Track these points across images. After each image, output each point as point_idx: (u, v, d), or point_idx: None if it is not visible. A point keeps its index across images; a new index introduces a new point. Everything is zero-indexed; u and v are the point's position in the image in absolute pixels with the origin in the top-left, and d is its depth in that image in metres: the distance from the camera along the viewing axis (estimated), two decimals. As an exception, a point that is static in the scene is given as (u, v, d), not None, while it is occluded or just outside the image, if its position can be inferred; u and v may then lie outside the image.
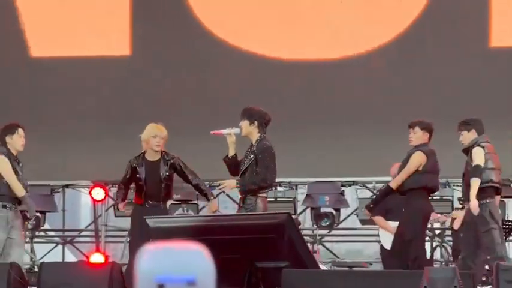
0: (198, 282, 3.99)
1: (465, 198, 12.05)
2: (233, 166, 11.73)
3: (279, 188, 16.05)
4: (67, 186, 16.04)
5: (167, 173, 11.98)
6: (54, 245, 16.78)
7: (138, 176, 12.01)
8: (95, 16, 16.13)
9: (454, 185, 15.25)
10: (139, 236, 12.00)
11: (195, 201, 15.44)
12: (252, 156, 11.64)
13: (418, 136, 11.87)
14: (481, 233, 11.72)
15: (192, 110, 15.69)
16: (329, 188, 15.82)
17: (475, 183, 11.68)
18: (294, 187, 16.15)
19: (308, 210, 16.08)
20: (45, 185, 15.56)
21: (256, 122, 11.43)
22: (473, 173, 11.78)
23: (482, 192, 11.59)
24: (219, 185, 13.27)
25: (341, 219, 16.01)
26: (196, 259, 4.06)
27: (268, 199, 12.58)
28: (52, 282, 11.00)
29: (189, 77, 15.99)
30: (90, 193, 14.80)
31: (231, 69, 15.91)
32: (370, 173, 14.77)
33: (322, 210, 16.00)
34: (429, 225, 13.82)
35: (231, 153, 11.78)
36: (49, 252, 16.49)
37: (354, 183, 15.54)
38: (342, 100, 15.60)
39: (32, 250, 15.55)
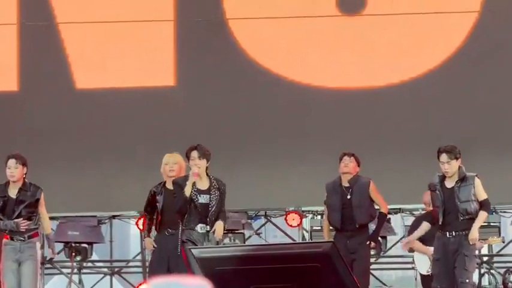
0: None
1: (455, 228, 11.73)
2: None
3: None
4: (114, 217, 15.78)
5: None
6: (102, 276, 16.51)
7: (156, 203, 12.10)
8: (139, 47, 15.79)
9: (500, 211, 14.96)
10: (158, 264, 12.17)
11: (242, 231, 15.14)
12: (216, 189, 11.99)
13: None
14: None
15: (235, 139, 15.29)
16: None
17: (484, 217, 11.75)
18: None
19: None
20: (92, 216, 15.35)
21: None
22: (487, 206, 11.67)
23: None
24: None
25: (388, 246, 15.76)
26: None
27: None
28: None
29: (234, 105, 15.64)
30: (136, 223, 14.64)
31: (275, 97, 15.47)
32: (416, 200, 14.06)
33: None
34: (477, 252, 13.11)
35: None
36: (97, 283, 16.28)
37: (401, 210, 15.16)
38: (389, 127, 15.18)
39: (81, 281, 15.33)
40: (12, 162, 11.77)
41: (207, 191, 11.93)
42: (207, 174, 11.89)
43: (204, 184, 11.89)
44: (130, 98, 15.86)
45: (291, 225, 15.41)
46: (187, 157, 11.89)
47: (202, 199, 11.91)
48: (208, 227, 11.83)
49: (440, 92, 15.36)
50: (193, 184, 11.79)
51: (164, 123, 15.23)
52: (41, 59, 16.34)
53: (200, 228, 11.73)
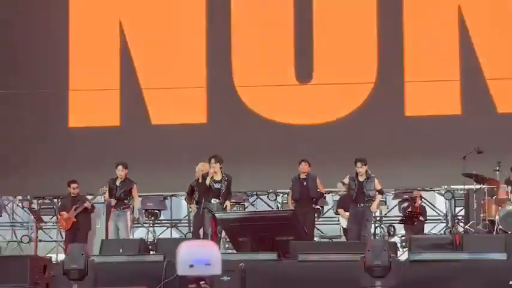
0: (211, 264, 4.65)
1: (362, 202, 15.11)
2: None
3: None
4: (172, 195, 18.82)
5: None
6: (165, 228, 19.30)
7: (194, 191, 15.38)
8: (176, 89, 18.72)
9: (386, 192, 17.25)
10: (196, 219, 15.39)
11: (243, 203, 18.30)
12: (225, 182, 14.91)
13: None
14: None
15: (242, 153, 17.94)
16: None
17: (380, 198, 15.39)
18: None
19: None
20: (160, 194, 18.56)
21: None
22: (381, 192, 15.38)
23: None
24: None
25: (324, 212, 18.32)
26: (211, 250, 4.68)
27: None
28: (164, 251, 12.89)
29: (241, 142, 18.39)
30: (185, 199, 16.69)
31: (263, 131, 18.49)
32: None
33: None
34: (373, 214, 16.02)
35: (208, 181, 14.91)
36: (163, 232, 19.11)
37: (331, 192, 17.72)
38: (328, 146, 17.86)
39: (154, 231, 18.46)
40: (120, 166, 15.62)
41: (220, 181, 15.02)
42: (221, 171, 15.01)
43: (218, 177, 15.00)
44: (167, 133, 18.56)
45: (271, 200, 18.41)
46: (209, 162, 15.06)
47: (217, 185, 14.99)
48: (218, 201, 14.87)
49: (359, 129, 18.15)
50: (212, 177, 14.93)
51: (199, 144, 17.55)
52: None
53: (213, 201, 14.84)
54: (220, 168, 14.89)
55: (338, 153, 17.28)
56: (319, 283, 11.62)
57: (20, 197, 19.37)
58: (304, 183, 15.79)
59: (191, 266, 4.72)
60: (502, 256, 11.84)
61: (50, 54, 19.10)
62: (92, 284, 11.34)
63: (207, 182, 14.72)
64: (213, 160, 14.86)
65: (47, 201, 18.95)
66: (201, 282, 6.76)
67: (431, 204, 18.82)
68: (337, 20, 18.63)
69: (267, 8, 18.80)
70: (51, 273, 10.91)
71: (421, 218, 16.87)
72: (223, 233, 14.76)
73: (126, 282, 11.64)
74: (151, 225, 18.27)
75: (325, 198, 17.61)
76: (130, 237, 15.18)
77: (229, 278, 10.99)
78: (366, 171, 15.10)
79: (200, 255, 4.71)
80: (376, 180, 15.19)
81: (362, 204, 15.10)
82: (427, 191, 18.34)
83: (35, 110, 19.08)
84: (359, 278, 10.84)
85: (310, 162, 15.87)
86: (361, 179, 15.12)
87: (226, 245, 15.72)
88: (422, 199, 17.82)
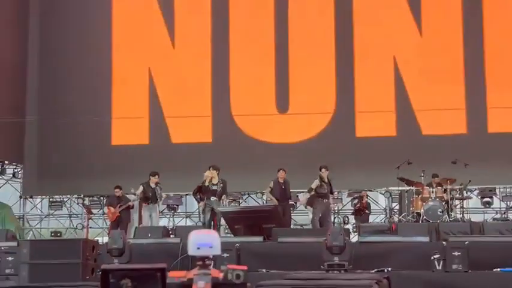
0: (213, 247, 4.47)
1: (327, 198, 14.85)
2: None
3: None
4: (186, 194, 18.66)
5: (218, 188, 14.53)
6: (181, 218, 19.46)
7: (201, 190, 14.63)
8: (189, 117, 18.56)
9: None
10: (203, 212, 14.79)
11: (239, 200, 18.38)
12: (221, 184, 14.56)
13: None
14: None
15: (238, 165, 17.82)
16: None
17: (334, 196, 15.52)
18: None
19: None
20: (178, 193, 18.71)
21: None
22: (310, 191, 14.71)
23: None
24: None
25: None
26: (213, 237, 4.54)
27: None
28: (180, 235, 12.79)
29: (236, 156, 18.32)
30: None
31: (254, 149, 18.43)
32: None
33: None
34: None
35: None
36: (179, 222, 18.90)
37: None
38: (299, 159, 17.43)
39: (174, 221, 18.18)
40: (156, 176, 15.34)
41: (216, 184, 14.59)
42: (218, 176, 14.58)
43: (215, 180, 14.59)
44: (198, 147, 18.50)
45: (258, 198, 18.58)
46: (209, 169, 14.69)
47: (214, 187, 14.56)
48: (215, 198, 14.48)
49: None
50: (210, 180, 14.52)
51: (206, 157, 16.95)
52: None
53: (212, 198, 14.43)
54: (218, 174, 14.52)
55: (308, 164, 16.58)
56: (294, 258, 11.45)
57: (75, 195, 19.57)
58: (283, 187, 15.57)
59: (198, 248, 4.55)
60: (426, 239, 11.87)
61: (99, 94, 19.41)
62: (128, 260, 11.22)
63: (206, 184, 14.42)
64: (211, 168, 14.64)
65: (95, 198, 19.12)
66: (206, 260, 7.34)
67: (375, 201, 18.91)
68: (306, 65, 18.70)
69: (256, 56, 18.90)
70: (98, 251, 10.81)
71: (366, 211, 16.87)
72: (223, 221, 14.70)
73: (152, 258, 11.34)
74: (171, 216, 18.32)
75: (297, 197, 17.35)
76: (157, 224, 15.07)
77: (228, 255, 10.90)
78: (328, 175, 14.99)
79: (205, 240, 4.54)
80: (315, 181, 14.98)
81: (326, 200, 14.99)
82: (371, 191, 18.34)
83: (88, 131, 19.15)
84: (322, 254, 10.74)
85: (286, 170, 15.67)
86: (326, 180, 14.95)
87: (226, 231, 15.41)
88: (368, 197, 17.75)
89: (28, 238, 18.22)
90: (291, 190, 15.85)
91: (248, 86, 18.73)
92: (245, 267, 4.63)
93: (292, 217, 17.30)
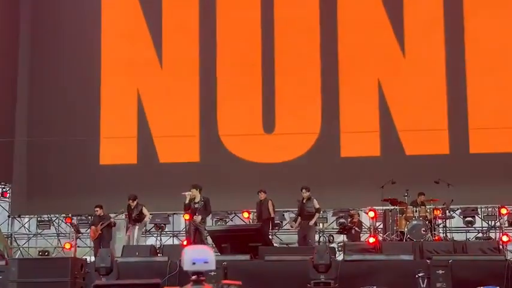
0: (209, 262, 4.60)
1: (305, 219, 14.79)
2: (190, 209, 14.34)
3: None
4: (174, 213, 18.51)
5: (199, 206, 14.54)
6: (169, 236, 19.08)
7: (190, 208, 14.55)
8: (177, 137, 18.36)
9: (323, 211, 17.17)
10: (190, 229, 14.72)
11: (226, 219, 18.27)
12: (202, 202, 14.53)
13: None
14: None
15: (224, 189, 17.52)
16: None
17: (317, 216, 15.05)
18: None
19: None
20: (164, 213, 18.36)
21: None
22: (319, 211, 15.05)
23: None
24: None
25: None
26: (207, 253, 4.64)
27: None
28: (167, 254, 13.08)
29: (224, 175, 18.33)
30: (183, 216, 15.65)
31: (242, 168, 18.40)
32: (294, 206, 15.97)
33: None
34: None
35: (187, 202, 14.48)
36: (167, 240, 18.61)
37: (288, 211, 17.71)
38: (292, 176, 17.37)
39: (161, 239, 17.41)
40: (130, 200, 15.45)
41: (198, 202, 14.68)
42: (200, 195, 14.62)
43: (197, 199, 14.68)
44: (185, 166, 18.30)
45: (244, 217, 17.81)
46: (191, 189, 14.70)
47: (197, 205, 14.66)
48: (199, 217, 14.49)
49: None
50: (193, 199, 14.56)
51: (194, 176, 16.76)
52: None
53: (194, 217, 14.52)
54: (200, 192, 14.51)
55: (295, 183, 16.27)
56: (280, 276, 11.64)
57: (64, 215, 19.32)
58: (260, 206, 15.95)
59: (194, 263, 4.65)
60: (410, 257, 11.97)
61: (88, 114, 19.32)
62: (116, 277, 11.34)
63: (186, 201, 14.45)
64: (194, 188, 14.69)
65: (83, 217, 18.84)
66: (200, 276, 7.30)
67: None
68: (292, 86, 18.71)
69: (242, 77, 18.85)
70: (86, 270, 10.68)
71: (357, 229, 16.78)
72: (210, 239, 14.70)
73: (140, 276, 11.52)
74: (159, 234, 18.04)
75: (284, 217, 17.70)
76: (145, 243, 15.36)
77: (215, 273, 11.01)
78: (310, 195, 14.95)
79: (200, 256, 4.65)
80: (315, 201, 14.97)
81: (304, 221, 14.96)
82: (355, 210, 17.87)
83: (76, 151, 19.09)
84: (308, 272, 10.90)
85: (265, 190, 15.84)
86: (304, 201, 14.96)
87: (213, 249, 15.48)
88: (359, 215, 17.64)
89: (16, 257, 17.73)
90: (276, 210, 16.10)
91: (235, 106, 18.74)
92: (239, 282, 4.63)
93: (277, 235, 17.83)
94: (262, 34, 18.98)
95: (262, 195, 15.83)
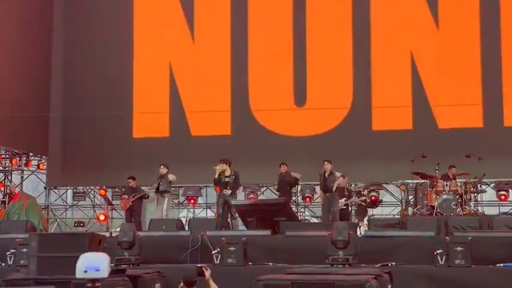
0: (101, 269, 4.51)
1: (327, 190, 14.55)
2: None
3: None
4: (206, 186, 18.87)
5: (230, 180, 14.62)
6: (202, 209, 19.30)
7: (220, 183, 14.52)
8: (209, 112, 18.43)
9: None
10: (219, 201, 14.72)
11: (257, 192, 18.20)
12: (233, 176, 14.54)
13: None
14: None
15: (258, 163, 17.64)
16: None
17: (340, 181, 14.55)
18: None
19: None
20: (197, 185, 18.79)
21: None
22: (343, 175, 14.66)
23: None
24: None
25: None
26: (101, 259, 4.56)
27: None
28: (192, 228, 12.83)
29: (255, 149, 18.24)
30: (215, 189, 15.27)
31: (270, 140, 18.44)
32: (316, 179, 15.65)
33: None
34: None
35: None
36: (200, 212, 19.20)
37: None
38: (323, 150, 16.95)
39: (194, 211, 18.73)
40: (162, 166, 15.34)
41: (229, 176, 14.62)
42: (230, 169, 14.59)
43: (227, 173, 14.63)
44: (217, 140, 18.25)
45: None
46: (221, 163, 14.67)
47: (226, 179, 14.60)
48: (229, 191, 14.55)
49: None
50: (223, 173, 14.53)
51: (225, 150, 16.88)
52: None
53: (224, 191, 14.52)
54: (229, 166, 14.41)
55: (325, 157, 15.84)
56: (300, 252, 11.24)
57: (98, 187, 19.46)
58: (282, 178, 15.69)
59: (85, 271, 4.60)
60: (431, 234, 11.63)
61: (121, 89, 19.28)
62: (138, 252, 11.22)
63: (216, 176, 14.35)
64: (223, 162, 14.61)
65: (117, 189, 18.83)
66: (203, 266, 7.42)
67: (391, 193, 18.57)
68: (324, 60, 18.53)
69: (274, 51, 18.78)
70: (105, 245, 10.54)
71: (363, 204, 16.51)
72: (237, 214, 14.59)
73: (162, 250, 11.46)
74: (192, 207, 18.67)
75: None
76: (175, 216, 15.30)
77: (235, 248, 10.81)
78: (331, 168, 14.68)
79: (92, 263, 4.61)
80: (337, 173, 14.71)
81: (328, 194, 14.85)
82: (388, 184, 18.22)
83: (110, 125, 19.10)
84: (327, 248, 10.55)
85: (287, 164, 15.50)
86: (326, 174, 14.72)
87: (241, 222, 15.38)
88: (374, 191, 17.42)
89: (53, 228, 18.62)
90: (307, 183, 16.53)
91: (266, 81, 18.62)
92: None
93: (310, 208, 18.18)
94: (294, 7, 18.82)
95: (283, 168, 15.56)
